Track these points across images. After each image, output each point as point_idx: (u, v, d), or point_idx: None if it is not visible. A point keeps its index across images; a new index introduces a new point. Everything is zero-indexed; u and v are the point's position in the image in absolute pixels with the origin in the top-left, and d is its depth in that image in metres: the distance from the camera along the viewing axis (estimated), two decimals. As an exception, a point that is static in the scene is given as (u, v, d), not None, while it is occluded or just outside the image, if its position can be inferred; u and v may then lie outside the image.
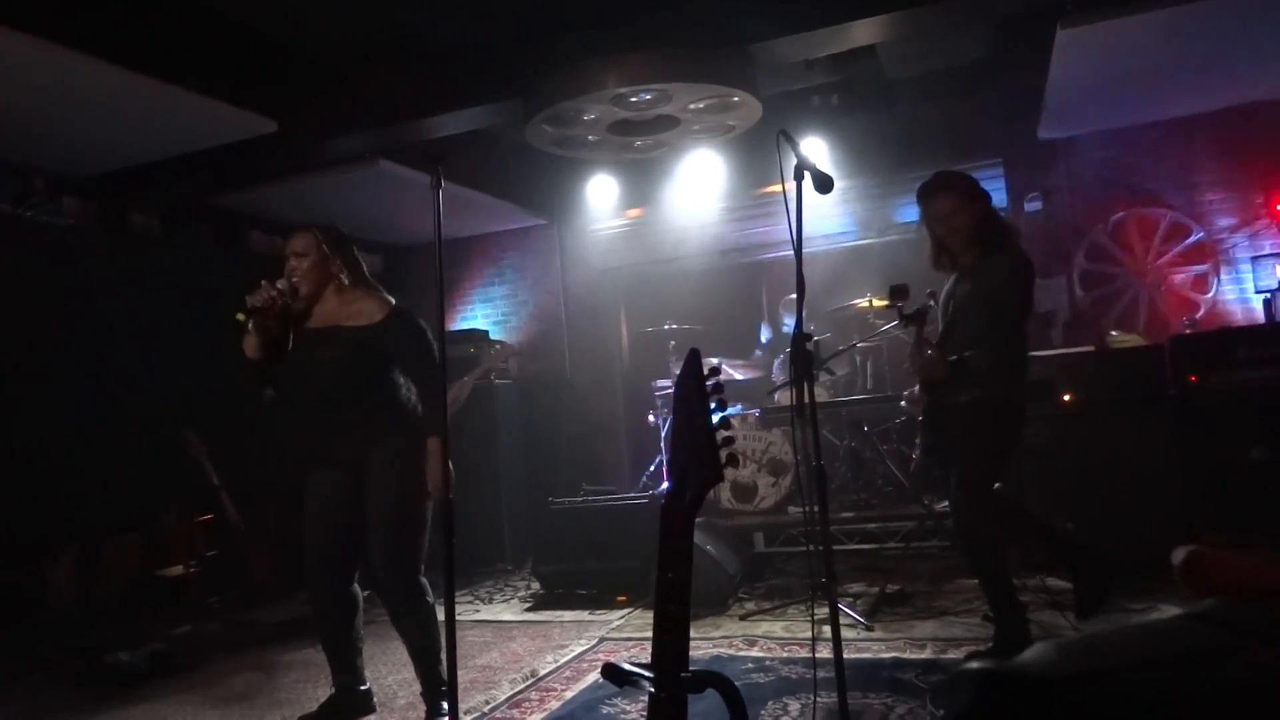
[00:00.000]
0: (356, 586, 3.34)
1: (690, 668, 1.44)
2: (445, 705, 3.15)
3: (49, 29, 3.74)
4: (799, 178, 2.54)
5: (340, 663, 3.36)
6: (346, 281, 3.29)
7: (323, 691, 3.84)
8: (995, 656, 3.26)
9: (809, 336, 2.56)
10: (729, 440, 1.46)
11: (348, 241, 3.38)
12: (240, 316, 3.11)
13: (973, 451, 3.31)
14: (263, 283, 3.15)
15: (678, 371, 5.52)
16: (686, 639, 1.41)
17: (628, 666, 1.44)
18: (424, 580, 3.26)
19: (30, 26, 3.67)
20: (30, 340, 4.81)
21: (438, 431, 3.01)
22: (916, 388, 3.52)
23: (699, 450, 1.42)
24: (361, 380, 3.19)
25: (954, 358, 3.21)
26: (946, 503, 5.18)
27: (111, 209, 5.59)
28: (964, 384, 3.24)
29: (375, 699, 3.51)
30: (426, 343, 3.19)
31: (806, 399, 2.55)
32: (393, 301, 3.29)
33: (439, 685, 3.24)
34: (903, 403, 3.65)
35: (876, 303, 5.77)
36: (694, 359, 1.52)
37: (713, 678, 1.35)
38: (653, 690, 1.40)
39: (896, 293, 3.42)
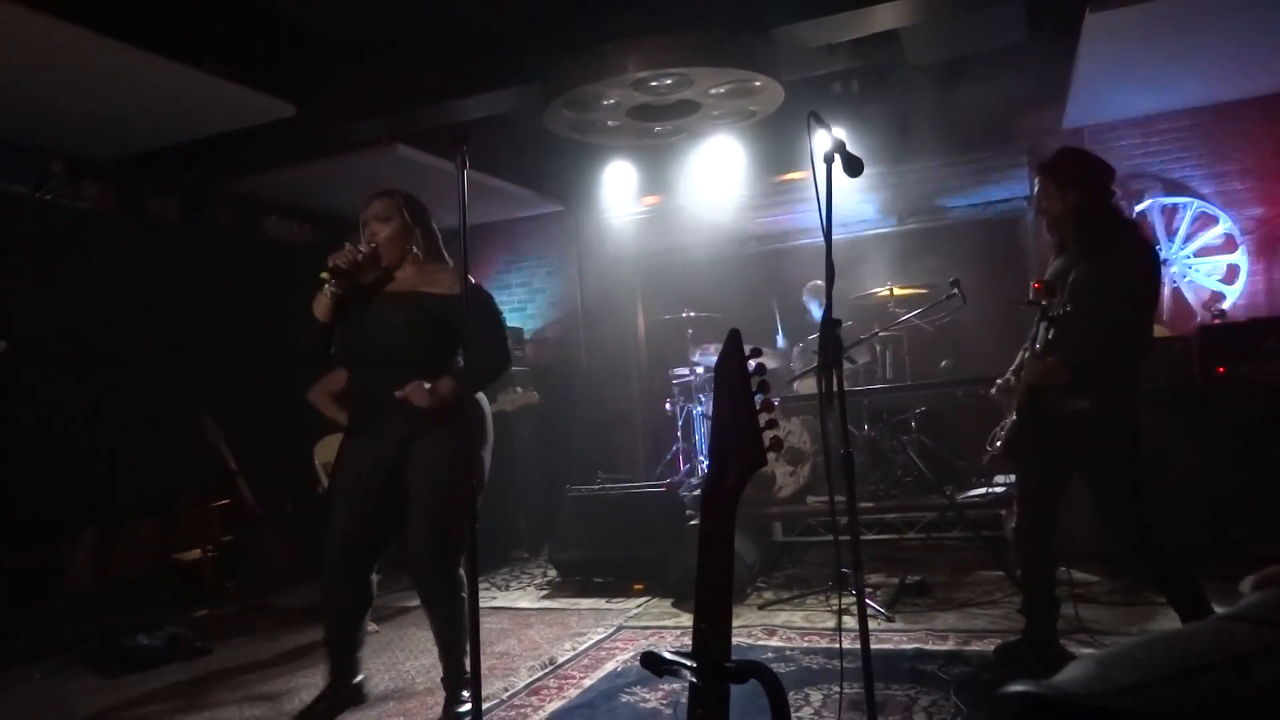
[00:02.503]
0: (374, 577, 3.21)
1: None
2: (465, 694, 3.13)
3: (68, 10, 3.71)
4: (829, 161, 2.48)
5: (341, 654, 3.19)
6: (422, 254, 3.17)
7: (341, 677, 3.85)
8: (1024, 650, 3.25)
9: (838, 323, 2.51)
10: (772, 424, 1.42)
11: (427, 212, 3.26)
12: (325, 275, 3.00)
13: (1107, 478, 3.06)
14: (346, 244, 3.06)
15: (695, 360, 5.49)
16: (728, 627, 1.37)
17: (668, 655, 1.40)
18: (462, 573, 3.14)
19: (49, 7, 3.65)
20: (48, 323, 4.81)
21: (466, 387, 2.98)
22: (1010, 378, 3.30)
23: (741, 434, 1.38)
24: (432, 350, 3.07)
25: (1075, 363, 2.96)
26: (969, 494, 5.17)
27: (129, 193, 5.58)
28: (1075, 390, 3.01)
29: (383, 688, 3.49)
30: (501, 323, 3.17)
31: (835, 386, 2.50)
32: (471, 279, 3.21)
33: (461, 675, 3.17)
34: (992, 391, 3.39)
35: (897, 291, 5.71)
36: (735, 340, 1.48)
37: (755, 667, 1.32)
38: (694, 680, 1.37)
39: (1049, 290, 3.09)
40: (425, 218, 3.22)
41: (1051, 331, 3.02)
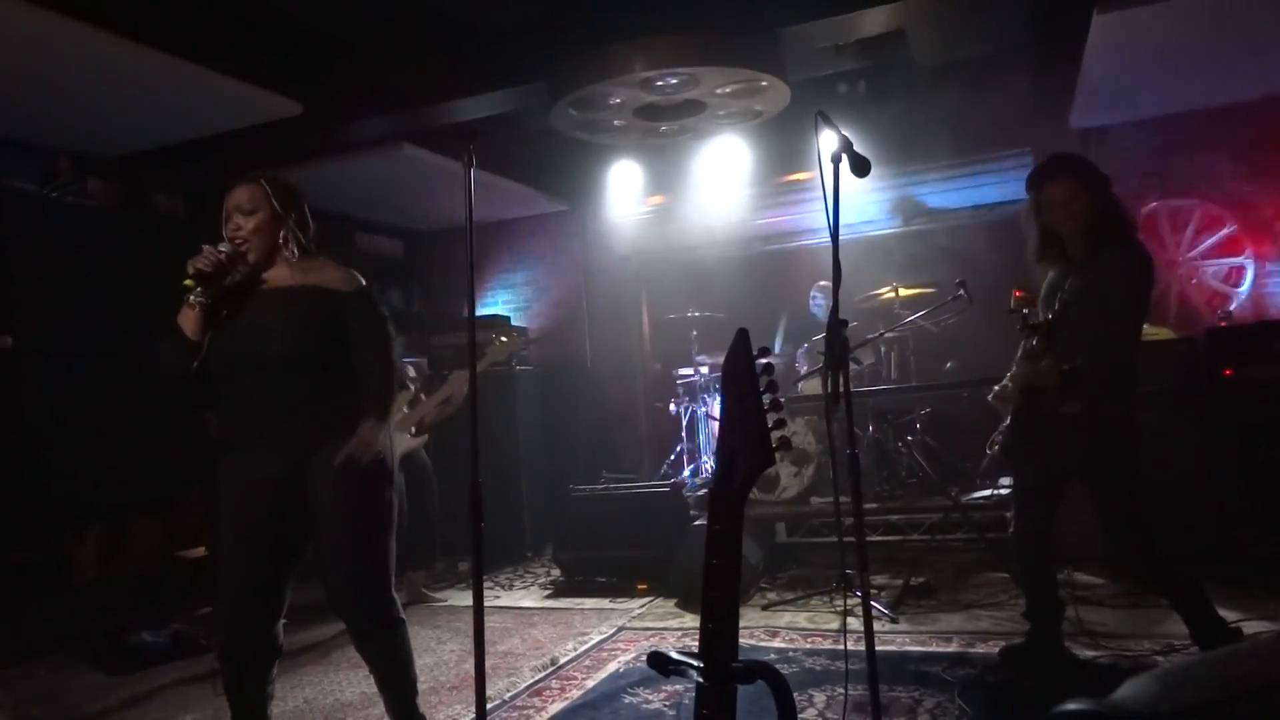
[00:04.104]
0: (281, 626, 2.73)
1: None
2: None
3: (74, 7, 3.72)
4: (836, 161, 2.47)
5: (247, 715, 2.68)
6: (296, 251, 2.73)
7: (344, 675, 3.85)
8: (1029, 653, 3.24)
9: (845, 323, 2.50)
10: (780, 424, 1.41)
11: (301, 198, 2.80)
12: (188, 283, 2.58)
13: (1105, 484, 3.06)
14: (204, 246, 2.60)
15: (700, 360, 5.47)
16: (735, 627, 1.37)
17: (674, 655, 1.40)
18: (396, 595, 2.75)
19: (55, 4, 3.65)
20: (54, 320, 4.82)
21: (378, 414, 2.63)
22: (1007, 383, 3.28)
23: (748, 433, 1.38)
24: (319, 352, 2.64)
25: (1067, 367, 2.95)
26: (973, 495, 5.15)
27: (135, 190, 5.59)
28: (1068, 394, 3.00)
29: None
30: (388, 334, 2.73)
31: (841, 387, 2.49)
32: (360, 279, 2.77)
33: (414, 718, 2.77)
34: (990, 397, 3.37)
35: (903, 292, 5.71)
36: (743, 339, 1.47)
37: (762, 668, 1.31)
38: (700, 680, 1.36)
39: (1027, 298, 3.11)
40: (299, 205, 2.78)
41: (1035, 339, 3.02)
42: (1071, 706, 0.74)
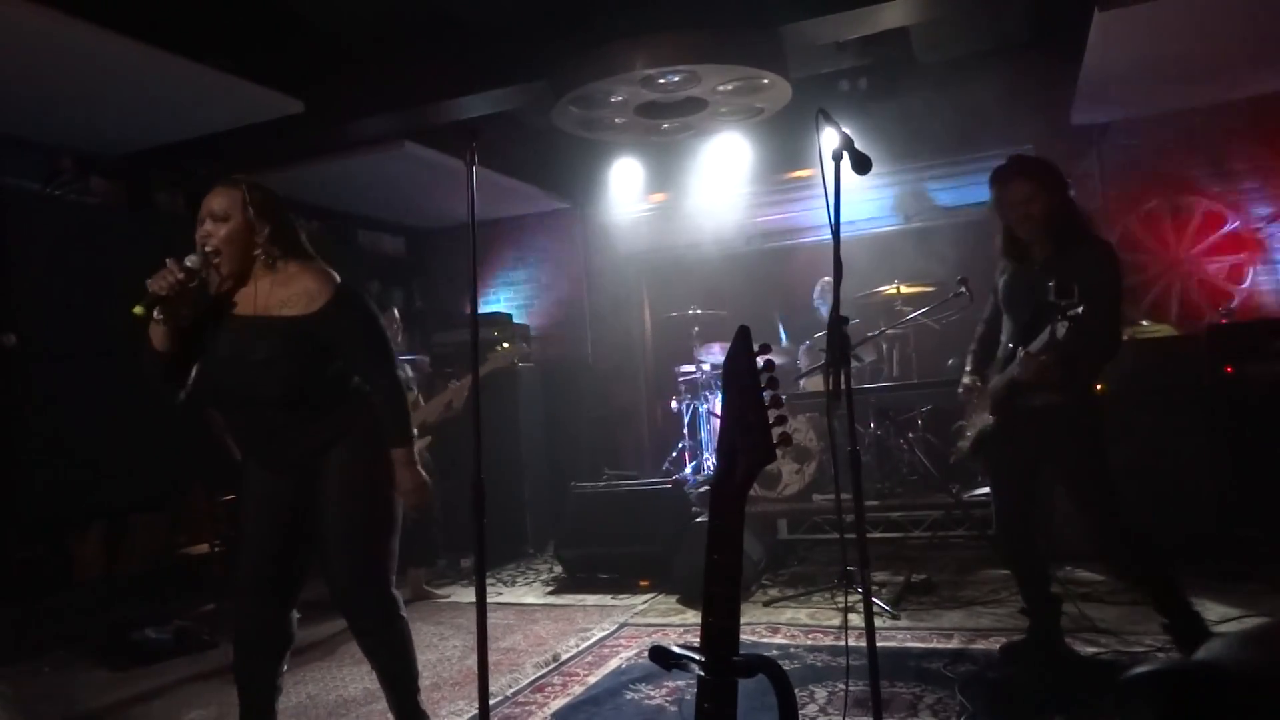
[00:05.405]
0: (295, 614, 2.77)
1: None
2: None
3: (77, 6, 3.73)
4: (837, 158, 2.47)
5: (255, 705, 2.72)
6: (273, 257, 2.61)
7: (346, 671, 3.87)
8: (1029, 649, 3.25)
9: (846, 320, 2.51)
10: (780, 420, 1.42)
11: (280, 205, 2.69)
12: (138, 310, 2.44)
13: (1080, 471, 3.09)
14: (168, 261, 2.46)
15: (701, 357, 5.47)
16: (736, 622, 1.38)
17: (675, 649, 1.41)
18: (397, 593, 2.75)
19: (58, 3, 3.66)
20: (58, 319, 4.83)
21: (403, 441, 2.62)
22: (975, 377, 3.32)
23: (750, 429, 1.39)
24: (307, 379, 2.59)
25: (1065, 360, 2.97)
26: (975, 492, 5.15)
27: (138, 189, 5.60)
28: (1039, 387, 3.04)
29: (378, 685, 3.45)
30: (378, 334, 2.66)
31: (842, 384, 2.50)
32: (336, 279, 2.63)
33: (417, 713, 2.78)
34: (959, 390, 3.42)
35: (904, 289, 5.71)
36: (744, 336, 1.48)
37: (763, 662, 1.32)
38: (701, 674, 1.37)
39: (1064, 290, 3.05)
40: (276, 211, 2.64)
41: (1064, 331, 3.02)
42: (1148, 668, 0.74)
